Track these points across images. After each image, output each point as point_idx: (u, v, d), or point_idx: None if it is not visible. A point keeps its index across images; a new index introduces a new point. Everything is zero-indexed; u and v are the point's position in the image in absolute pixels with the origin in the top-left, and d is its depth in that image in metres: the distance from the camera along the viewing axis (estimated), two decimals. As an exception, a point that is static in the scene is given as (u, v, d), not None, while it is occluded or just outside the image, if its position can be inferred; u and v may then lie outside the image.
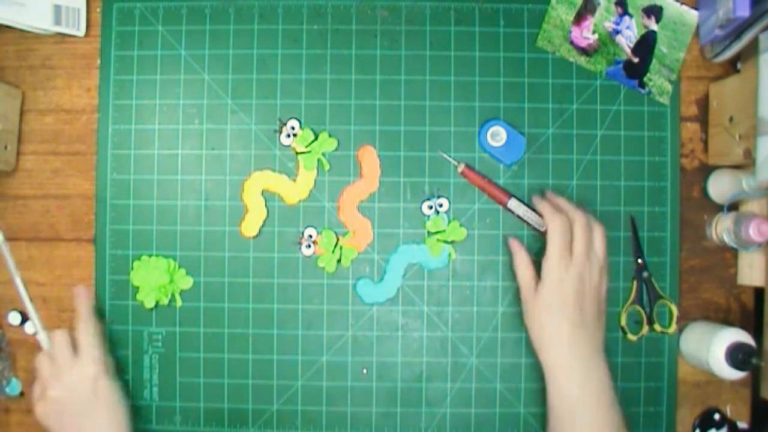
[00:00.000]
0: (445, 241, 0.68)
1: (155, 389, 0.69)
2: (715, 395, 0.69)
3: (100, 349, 0.65)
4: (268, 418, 0.69)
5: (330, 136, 0.68)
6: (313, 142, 0.68)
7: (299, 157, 0.69)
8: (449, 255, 0.69)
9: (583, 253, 0.61)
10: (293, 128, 0.68)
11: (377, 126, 0.69)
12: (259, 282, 0.69)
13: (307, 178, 0.69)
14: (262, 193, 0.69)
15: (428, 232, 0.69)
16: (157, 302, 0.68)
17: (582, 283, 0.61)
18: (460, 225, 0.68)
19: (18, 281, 0.69)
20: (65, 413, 0.62)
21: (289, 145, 0.69)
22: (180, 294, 0.69)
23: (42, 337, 0.69)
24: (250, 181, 0.69)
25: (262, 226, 0.69)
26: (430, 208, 0.68)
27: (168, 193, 0.69)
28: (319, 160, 0.69)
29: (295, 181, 0.69)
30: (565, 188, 0.69)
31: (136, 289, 0.69)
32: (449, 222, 0.68)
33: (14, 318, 0.70)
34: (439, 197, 0.68)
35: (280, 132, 0.69)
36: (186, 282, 0.69)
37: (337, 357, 0.69)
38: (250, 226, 0.69)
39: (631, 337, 0.68)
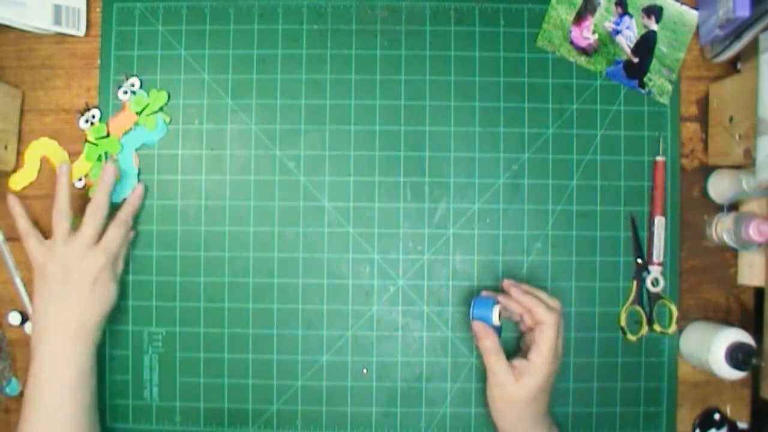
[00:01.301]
0: (154, 112, 0.69)
1: (155, 389, 0.69)
2: (715, 395, 0.69)
3: (117, 250, 0.66)
4: (268, 418, 0.69)
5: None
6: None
7: (86, 144, 0.69)
8: (164, 122, 0.69)
9: (561, 350, 0.62)
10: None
11: (377, 126, 0.69)
12: (259, 282, 0.69)
13: (81, 165, 0.69)
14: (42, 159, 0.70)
15: (136, 113, 0.69)
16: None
17: (552, 377, 0.62)
18: (158, 90, 0.69)
19: (18, 281, 0.69)
20: (57, 280, 0.63)
21: (90, 127, 0.69)
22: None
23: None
24: (35, 144, 0.70)
25: (27, 186, 0.70)
26: (125, 93, 0.69)
27: (168, 193, 0.69)
28: (100, 156, 0.69)
29: (71, 162, 0.70)
30: (564, 188, 0.69)
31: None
32: (149, 94, 0.69)
33: (14, 318, 0.70)
34: (129, 78, 0.69)
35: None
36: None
37: (337, 357, 0.69)
38: (16, 181, 0.70)
39: (630, 337, 0.68)
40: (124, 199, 0.69)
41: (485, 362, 0.62)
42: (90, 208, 0.65)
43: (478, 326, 0.63)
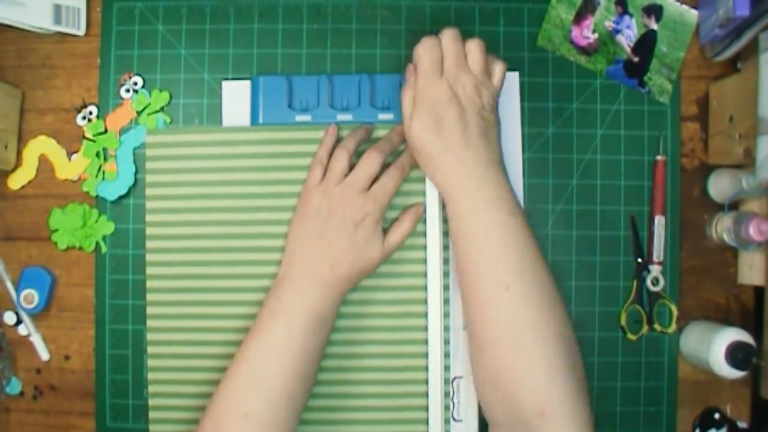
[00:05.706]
0: (155, 112, 0.69)
1: (155, 389, 0.69)
2: (715, 395, 0.69)
3: (387, 200, 0.61)
4: (268, 418, 0.69)
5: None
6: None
7: (84, 141, 0.69)
8: (165, 122, 0.69)
9: (454, 65, 0.58)
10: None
11: (377, 125, 0.69)
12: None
13: (79, 163, 0.69)
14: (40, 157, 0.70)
15: (137, 112, 0.69)
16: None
17: (457, 98, 0.58)
18: (160, 91, 0.69)
19: (9, 285, 0.69)
20: (318, 217, 0.61)
21: (87, 122, 0.69)
22: (103, 239, 0.69)
23: (36, 340, 0.69)
24: (34, 142, 0.70)
25: (26, 185, 0.70)
26: (127, 91, 0.69)
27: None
28: (98, 152, 0.69)
29: (69, 160, 0.70)
30: (565, 188, 0.69)
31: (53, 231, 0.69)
32: (151, 94, 0.69)
33: (10, 318, 0.69)
34: (132, 76, 0.69)
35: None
36: (107, 227, 0.69)
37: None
38: (15, 180, 0.70)
39: (630, 336, 0.68)
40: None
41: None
42: (369, 153, 0.62)
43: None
